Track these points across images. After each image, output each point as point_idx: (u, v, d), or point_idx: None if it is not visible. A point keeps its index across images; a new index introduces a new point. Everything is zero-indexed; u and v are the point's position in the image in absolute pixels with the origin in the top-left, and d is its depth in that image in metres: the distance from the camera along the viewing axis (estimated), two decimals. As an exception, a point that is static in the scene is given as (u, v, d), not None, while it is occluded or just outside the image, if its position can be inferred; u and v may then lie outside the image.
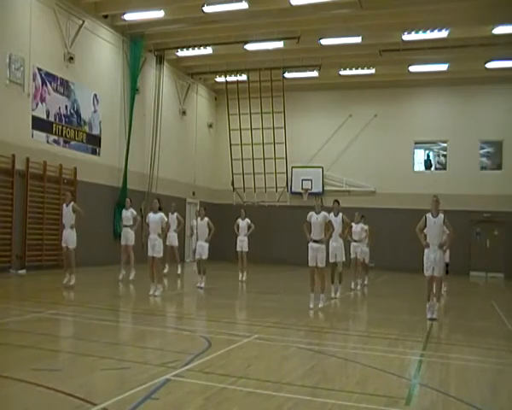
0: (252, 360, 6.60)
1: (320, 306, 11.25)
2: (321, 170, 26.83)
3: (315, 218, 11.25)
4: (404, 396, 5.39)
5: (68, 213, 13.26)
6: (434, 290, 10.58)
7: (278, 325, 9.31)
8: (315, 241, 11.22)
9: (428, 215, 10.42)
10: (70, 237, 13.17)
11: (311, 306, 11.15)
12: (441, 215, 10.36)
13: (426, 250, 10.41)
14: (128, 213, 15.58)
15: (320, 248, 11.22)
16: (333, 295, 13.15)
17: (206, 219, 14.20)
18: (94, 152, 19.54)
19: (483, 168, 25.83)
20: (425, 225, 10.44)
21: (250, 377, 5.78)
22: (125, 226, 15.56)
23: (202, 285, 14.16)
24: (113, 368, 6.00)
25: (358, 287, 15.54)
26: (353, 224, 15.38)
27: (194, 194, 26.50)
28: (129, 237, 15.41)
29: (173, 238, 17.03)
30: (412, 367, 6.91)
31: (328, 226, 11.43)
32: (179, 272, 17.41)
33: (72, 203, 13.30)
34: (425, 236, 10.48)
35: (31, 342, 7.12)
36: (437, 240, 10.31)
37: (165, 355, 6.68)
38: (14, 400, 4.91)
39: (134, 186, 21.27)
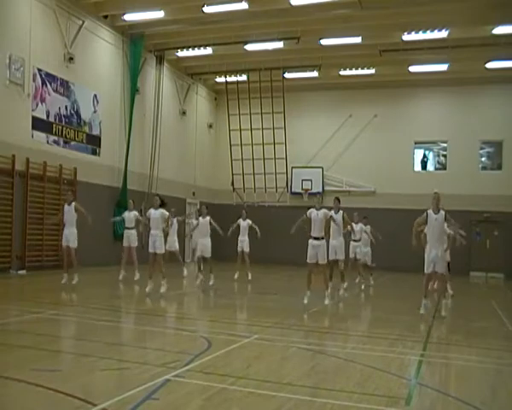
0: (252, 361, 6.59)
1: (326, 303, 11.19)
2: (321, 170, 26.83)
3: (315, 214, 11.10)
4: (404, 396, 5.39)
5: (70, 212, 13.27)
6: (436, 287, 10.49)
7: (278, 325, 9.30)
8: (315, 238, 11.07)
9: (430, 212, 10.21)
10: (71, 236, 13.20)
11: (306, 302, 11.11)
12: (442, 212, 10.16)
13: (427, 248, 10.25)
14: (131, 215, 15.59)
15: (321, 245, 11.09)
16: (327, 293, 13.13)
17: (208, 217, 14.20)
18: (94, 152, 19.54)
19: (483, 168, 25.85)
20: (425, 222, 10.27)
21: (250, 378, 5.78)
22: (128, 228, 15.55)
23: (211, 283, 14.11)
24: (113, 368, 6.00)
25: (363, 286, 15.53)
26: (353, 224, 15.33)
27: (194, 194, 26.51)
28: (132, 238, 15.41)
29: (173, 243, 16.91)
30: (412, 367, 6.90)
31: (329, 223, 11.35)
32: (185, 274, 17.38)
33: (73, 203, 13.33)
34: (425, 235, 10.40)
35: (31, 342, 7.11)
36: (438, 238, 10.15)
37: (166, 356, 6.68)
38: (14, 400, 4.90)
39: (134, 186, 21.27)
